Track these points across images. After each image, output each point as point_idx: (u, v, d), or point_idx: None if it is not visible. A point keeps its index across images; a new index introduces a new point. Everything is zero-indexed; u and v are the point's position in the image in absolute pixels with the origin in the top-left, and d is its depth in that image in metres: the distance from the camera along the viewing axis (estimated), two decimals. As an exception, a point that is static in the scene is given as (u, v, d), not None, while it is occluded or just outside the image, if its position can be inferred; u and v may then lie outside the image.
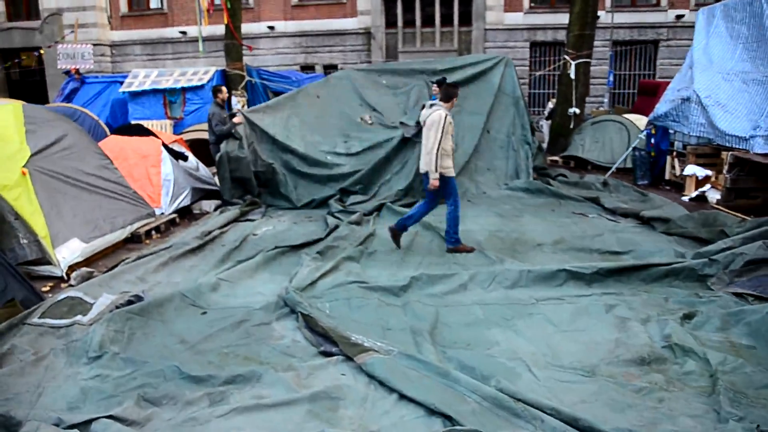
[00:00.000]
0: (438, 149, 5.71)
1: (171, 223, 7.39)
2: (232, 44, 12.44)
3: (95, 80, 13.06)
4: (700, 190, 8.61)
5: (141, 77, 11.94)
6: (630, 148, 10.35)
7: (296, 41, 19.70)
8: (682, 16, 17.82)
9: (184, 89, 11.72)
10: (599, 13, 18.21)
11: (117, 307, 4.32)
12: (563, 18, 18.50)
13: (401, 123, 8.77)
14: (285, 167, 8.34)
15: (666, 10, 18.03)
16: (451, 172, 5.98)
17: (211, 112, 8.06)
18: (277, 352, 3.89)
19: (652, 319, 4.22)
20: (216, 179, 8.56)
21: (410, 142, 8.56)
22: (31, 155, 5.66)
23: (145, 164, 7.67)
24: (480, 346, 3.95)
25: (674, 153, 9.73)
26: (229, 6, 12.08)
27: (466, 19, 19.41)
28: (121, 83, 12.35)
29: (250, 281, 5.25)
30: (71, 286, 5.20)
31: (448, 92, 5.89)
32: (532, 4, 18.91)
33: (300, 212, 8.11)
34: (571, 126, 12.65)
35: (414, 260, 5.84)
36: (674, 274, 5.13)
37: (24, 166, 5.54)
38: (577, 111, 12.55)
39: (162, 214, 7.40)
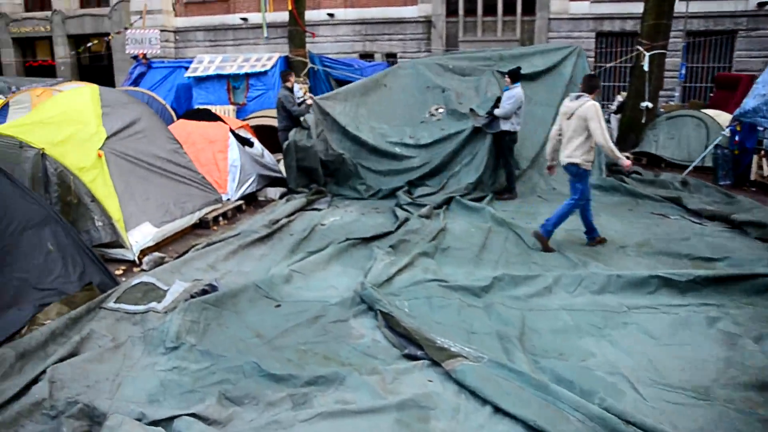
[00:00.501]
0: (610, 138, 5.69)
1: (237, 210, 7.33)
2: (296, 31, 12.36)
3: (161, 65, 13.19)
4: (794, 193, 7.98)
5: (206, 62, 11.98)
6: (711, 146, 9.71)
7: (356, 29, 19.53)
8: (765, 3, 16.73)
9: (247, 75, 11.70)
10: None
11: (192, 296, 4.22)
12: (631, 7, 17.82)
13: (471, 110, 8.43)
14: (354, 157, 8.16)
15: (746, -1, 16.98)
16: (590, 166, 5.87)
17: (281, 95, 7.94)
18: (358, 352, 3.70)
19: (765, 338, 3.83)
20: (281, 167, 8.47)
21: (480, 133, 8.24)
22: (107, 137, 5.64)
23: (212, 149, 7.62)
24: (574, 357, 3.66)
25: (762, 152, 9.07)
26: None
27: (529, 8, 18.83)
28: (186, 68, 12.43)
29: (322, 273, 5.09)
30: (143, 270, 5.17)
31: (592, 84, 5.82)
32: (600, -7, 18.16)
33: (366, 203, 7.93)
34: (643, 121, 12.02)
35: (489, 258, 5.57)
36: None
37: (100, 149, 5.52)
38: (650, 105, 11.91)
39: (228, 200, 7.33)
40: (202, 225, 6.56)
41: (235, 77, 11.73)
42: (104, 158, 5.52)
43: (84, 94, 5.90)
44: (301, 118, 7.91)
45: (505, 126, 8.02)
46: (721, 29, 17.43)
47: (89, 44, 16.74)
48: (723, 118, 10.51)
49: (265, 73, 11.67)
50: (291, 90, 8.06)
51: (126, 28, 14.57)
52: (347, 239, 5.80)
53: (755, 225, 6.41)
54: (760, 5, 16.86)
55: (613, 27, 18.04)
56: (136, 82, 12.59)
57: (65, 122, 5.55)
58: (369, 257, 5.46)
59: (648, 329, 4.05)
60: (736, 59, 17.41)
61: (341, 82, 13.52)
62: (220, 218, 6.87)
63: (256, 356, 3.52)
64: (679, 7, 16.68)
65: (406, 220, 6.63)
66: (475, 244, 5.99)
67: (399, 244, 5.73)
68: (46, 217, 4.17)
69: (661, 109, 13.11)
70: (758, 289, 4.66)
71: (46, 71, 21.46)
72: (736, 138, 9.32)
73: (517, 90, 7.95)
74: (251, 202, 7.90)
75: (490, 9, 18.89)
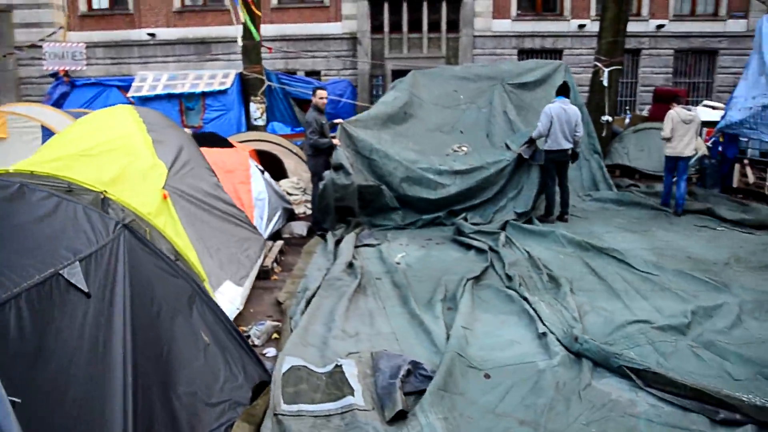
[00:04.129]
0: None
1: (279, 252, 6.11)
2: (251, 45, 11.10)
3: (87, 83, 11.21)
4: (795, 198, 8.39)
5: (150, 81, 10.36)
6: (696, 156, 10.05)
7: (276, 45, 18.33)
8: (663, 25, 18.22)
9: (203, 95, 10.25)
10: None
11: (402, 382, 3.18)
12: (549, 26, 18.62)
13: (506, 145, 7.98)
14: (388, 187, 7.27)
15: (647, 20, 18.34)
16: None
17: (307, 118, 6.78)
18: (658, 425, 2.94)
19: None
20: (294, 197, 7.34)
21: (524, 164, 7.73)
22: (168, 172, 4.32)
23: (231, 181, 6.34)
24: None
25: (745, 161, 9.53)
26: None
27: (453, 26, 18.91)
28: (119, 87, 10.67)
29: (480, 326, 4.21)
30: (255, 346, 3.94)
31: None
32: (519, 12, 18.72)
33: (413, 233, 7.11)
34: (603, 134, 12.30)
35: (626, 287, 4.98)
36: None
37: (163, 188, 4.20)
38: (611, 119, 12.23)
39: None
40: (260, 275, 5.32)
41: (189, 97, 10.25)
42: (170, 200, 4.20)
43: (124, 116, 4.50)
44: (332, 159, 6.85)
45: (543, 146, 7.59)
46: (627, 48, 18.67)
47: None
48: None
49: (224, 92, 10.32)
50: (322, 111, 6.88)
51: (34, 45, 12.25)
52: (465, 281, 4.94)
53: (816, 232, 6.52)
54: (659, 27, 18.33)
55: (534, 44, 18.64)
56: (57, 104, 10.52)
57: (112, 153, 4.15)
58: (507, 300, 4.69)
59: None
60: (641, 75, 18.73)
61: (299, 101, 12.47)
62: (274, 264, 5.65)
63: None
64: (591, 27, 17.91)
65: (495, 252, 5.89)
66: (585, 272, 5.43)
67: (518, 283, 4.97)
68: (191, 294, 2.92)
69: (618, 127, 13.54)
70: None
71: None
72: (719, 148, 9.73)
73: (548, 106, 7.59)
74: (276, 239, 6.68)
75: (415, 26, 18.68)
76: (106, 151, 4.17)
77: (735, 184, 9.72)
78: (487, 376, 3.49)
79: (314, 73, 18.59)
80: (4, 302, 1.76)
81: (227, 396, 2.74)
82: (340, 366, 3.47)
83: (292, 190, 8.39)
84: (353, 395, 3.15)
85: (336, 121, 7.43)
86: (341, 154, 6.89)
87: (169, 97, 10.19)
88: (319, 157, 6.85)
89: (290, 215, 7.44)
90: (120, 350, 2.12)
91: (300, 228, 7.00)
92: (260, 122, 11.25)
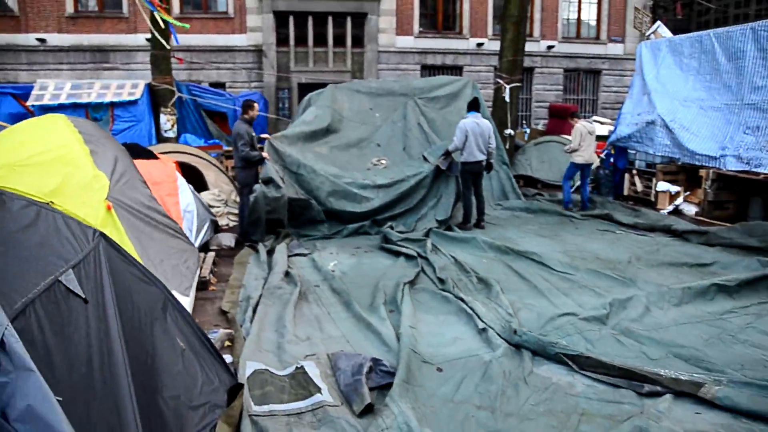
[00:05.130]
0: None
1: (212, 263, 6.06)
2: (161, 55, 10.82)
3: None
4: (675, 203, 9.47)
5: (52, 89, 9.79)
6: (594, 166, 11.01)
7: (179, 56, 17.86)
8: (553, 46, 19.71)
9: (112, 105, 9.85)
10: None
11: (367, 378, 3.36)
12: (450, 43, 19.56)
13: (424, 157, 8.38)
14: (316, 200, 7.45)
15: (539, 41, 19.76)
16: None
17: (239, 130, 6.77)
18: (596, 401, 3.34)
19: None
20: (216, 209, 7.30)
21: (442, 175, 8.17)
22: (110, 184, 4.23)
23: (158, 192, 6.18)
24: (751, 364, 3.77)
25: (634, 171, 10.60)
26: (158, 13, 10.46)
27: (358, 41, 19.36)
28: (13, 95, 10.01)
29: (423, 326, 4.48)
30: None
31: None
32: (422, 29, 19.50)
33: (341, 241, 7.31)
34: (507, 147, 13.16)
35: (546, 286, 5.47)
36: (789, 281, 5.47)
37: (107, 199, 4.11)
38: (512, 132, 13.11)
39: (194, 253, 6.03)
40: (198, 285, 5.28)
41: (97, 107, 9.80)
42: (113, 211, 4.12)
43: (58, 126, 4.33)
44: (261, 173, 6.92)
45: (459, 158, 8.06)
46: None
47: None
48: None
49: (133, 102, 9.98)
50: (251, 124, 6.90)
51: None
52: (403, 285, 5.20)
53: (696, 233, 7.44)
54: (549, 47, 19.81)
55: (436, 61, 19.47)
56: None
57: (51, 164, 4.00)
58: (444, 302, 5.01)
59: (762, 329, 4.38)
60: (534, 91, 20.12)
61: (211, 113, 12.27)
62: (210, 275, 5.62)
63: (531, 431, 2.94)
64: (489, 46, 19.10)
65: (424, 258, 6.21)
66: (509, 274, 5.89)
67: (452, 285, 5.31)
68: (164, 301, 2.94)
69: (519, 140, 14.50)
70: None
71: None
72: (611, 160, 10.76)
73: (463, 121, 8.06)
74: (205, 251, 6.61)
75: (320, 40, 18.92)
76: (44, 162, 4.01)
77: (626, 192, 10.78)
78: (439, 369, 3.75)
79: (219, 85, 18.27)
80: (24, 308, 1.77)
81: (206, 399, 2.79)
82: (302, 367, 3.59)
83: (214, 202, 8.28)
84: (321, 393, 3.29)
85: (263, 135, 7.49)
86: (271, 168, 6.98)
87: (75, 106, 9.67)
88: (250, 169, 6.88)
89: (215, 227, 7.36)
90: (120, 356, 2.15)
91: (228, 239, 6.95)
92: (171, 134, 10.97)
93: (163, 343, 2.73)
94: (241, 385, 3.09)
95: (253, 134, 6.87)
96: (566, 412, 3.23)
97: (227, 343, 4.12)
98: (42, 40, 16.36)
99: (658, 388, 3.39)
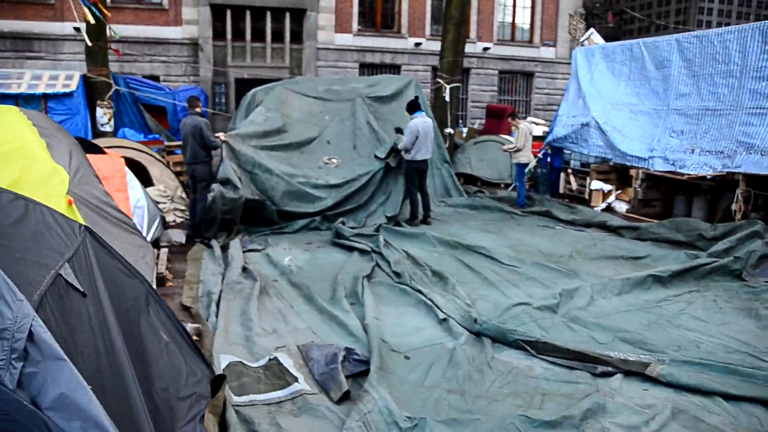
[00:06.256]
0: None
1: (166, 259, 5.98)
2: (98, 47, 10.41)
3: None
4: (608, 201, 10.08)
5: (-23, 78, 9.25)
6: (531, 165, 11.49)
7: (114, 47, 17.18)
8: (489, 48, 20.32)
9: (45, 96, 9.42)
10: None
11: (342, 367, 3.47)
12: (388, 42, 19.81)
13: (376, 156, 8.54)
14: (270, 201, 7.47)
15: (475, 42, 20.32)
16: None
17: (198, 122, 6.70)
18: (556, 382, 3.61)
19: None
20: (162, 206, 7.19)
21: (391, 173, 8.35)
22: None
23: (108, 188, 6.00)
24: (686, 345, 4.16)
25: (569, 170, 11.17)
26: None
27: (297, 37, 19.25)
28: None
29: (386, 317, 4.63)
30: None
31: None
32: (360, 27, 19.64)
33: (293, 237, 7.37)
34: (447, 145, 13.51)
35: (498, 279, 5.74)
36: (714, 272, 6.01)
37: (67, 193, 4.02)
38: (452, 131, 13.48)
39: (146, 249, 5.93)
40: (156, 282, 5.20)
41: (28, 98, 9.33)
42: (74, 206, 4.03)
43: (11, 118, 4.17)
44: (219, 173, 6.90)
45: (407, 156, 8.26)
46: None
47: None
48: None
49: (69, 94, 9.58)
50: (202, 116, 6.86)
51: None
52: (362, 278, 5.34)
53: (629, 229, 7.97)
54: (485, 49, 20.42)
55: (374, 59, 19.65)
56: None
57: (6, 157, 3.88)
58: (403, 294, 5.19)
59: (694, 314, 4.81)
60: (471, 92, 20.69)
61: (149, 107, 11.92)
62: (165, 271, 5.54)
63: (500, 411, 3.16)
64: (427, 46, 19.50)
65: (378, 253, 6.36)
66: (460, 267, 6.13)
67: (409, 278, 5.50)
68: (146, 294, 2.94)
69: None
70: (702, 275, 5.90)
71: None
72: (548, 159, 11.29)
73: (413, 121, 8.26)
74: (157, 248, 6.49)
75: (258, 35, 18.69)
76: (-1, 155, 3.88)
77: (561, 190, 11.33)
78: (407, 357, 3.92)
79: (153, 78, 17.64)
80: (41, 300, 1.78)
81: (192, 390, 2.82)
82: (276, 358, 3.66)
83: (160, 198, 8.10)
84: (298, 382, 3.38)
85: (218, 134, 7.40)
86: (229, 168, 6.96)
87: (3, 97, 9.17)
88: (208, 164, 6.85)
89: (164, 223, 7.22)
90: (121, 348, 2.18)
91: (178, 235, 6.85)
92: (108, 128, 10.60)
93: (149, 336, 2.74)
94: (223, 377, 3.13)
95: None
96: (529, 393, 3.47)
97: (195, 337, 4.11)
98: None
99: (610, 369, 3.69)
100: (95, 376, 1.90)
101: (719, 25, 49.50)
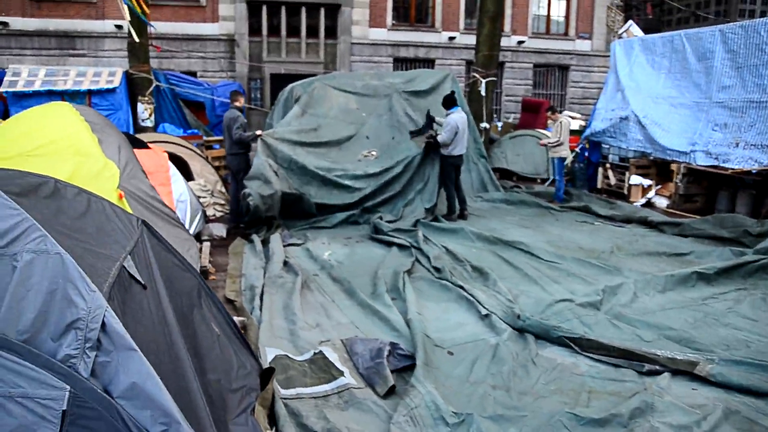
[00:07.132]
0: None
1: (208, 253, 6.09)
2: (139, 44, 10.64)
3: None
4: (647, 196, 9.87)
5: (26, 75, 9.55)
6: (568, 160, 11.32)
7: (155, 44, 17.52)
8: (524, 41, 20.07)
9: (90, 93, 9.67)
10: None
11: (387, 362, 3.50)
12: (422, 36, 19.72)
13: (410, 132, 8.53)
14: (305, 193, 7.57)
15: (510, 36, 20.10)
16: None
17: (232, 116, 6.82)
18: (601, 380, 3.56)
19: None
20: (202, 200, 7.32)
21: (428, 159, 8.33)
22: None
23: (153, 182, 6.15)
24: (735, 346, 4.06)
25: (607, 165, 10.98)
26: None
27: (331, 32, 19.32)
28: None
29: (429, 313, 4.64)
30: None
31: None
32: (394, 22, 19.60)
33: (332, 231, 7.42)
34: (482, 140, 13.40)
35: (538, 274, 5.69)
36: (761, 269, 5.83)
37: (118, 188, 4.13)
38: (488, 126, 13.37)
39: (189, 243, 6.05)
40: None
41: (74, 95, 9.59)
42: (125, 200, 4.15)
43: (64, 114, 4.31)
44: (252, 170, 7.03)
45: (443, 151, 8.23)
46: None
47: None
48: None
49: (112, 90, 9.81)
50: (242, 111, 6.97)
51: None
52: (403, 273, 5.36)
53: (670, 225, 7.80)
54: (519, 43, 20.16)
55: (408, 53, 19.60)
56: None
57: (62, 153, 4.01)
58: (444, 290, 5.18)
59: (741, 312, 4.69)
60: (505, 86, 20.47)
61: (188, 102, 12.12)
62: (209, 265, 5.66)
63: (547, 408, 3.14)
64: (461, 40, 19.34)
65: (417, 248, 6.37)
66: (500, 263, 6.09)
67: (449, 274, 5.49)
68: (198, 287, 3.01)
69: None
70: (750, 272, 5.74)
71: None
72: (586, 153, 11.11)
73: (452, 116, 8.21)
74: (199, 241, 6.62)
75: (293, 31, 18.82)
76: (54, 152, 4.02)
77: (599, 185, 11.15)
78: (450, 353, 3.92)
79: (191, 74, 17.98)
80: (110, 291, 1.84)
81: (242, 383, 2.88)
82: (321, 352, 3.71)
83: (200, 193, 8.25)
84: (344, 376, 3.42)
85: (257, 132, 7.51)
86: (264, 163, 7.07)
87: (50, 93, 9.43)
88: (242, 155, 6.96)
89: (205, 217, 7.36)
90: (179, 340, 2.23)
91: (219, 229, 6.98)
92: (148, 123, 10.83)
93: (202, 328, 2.81)
94: (272, 370, 3.18)
95: (245, 120, 6.95)
96: (575, 390, 3.44)
97: (240, 330, 4.19)
98: (4, 24, 15.82)
99: (657, 367, 3.63)
100: (156, 369, 1.94)
101: (763, 13, 47.89)
